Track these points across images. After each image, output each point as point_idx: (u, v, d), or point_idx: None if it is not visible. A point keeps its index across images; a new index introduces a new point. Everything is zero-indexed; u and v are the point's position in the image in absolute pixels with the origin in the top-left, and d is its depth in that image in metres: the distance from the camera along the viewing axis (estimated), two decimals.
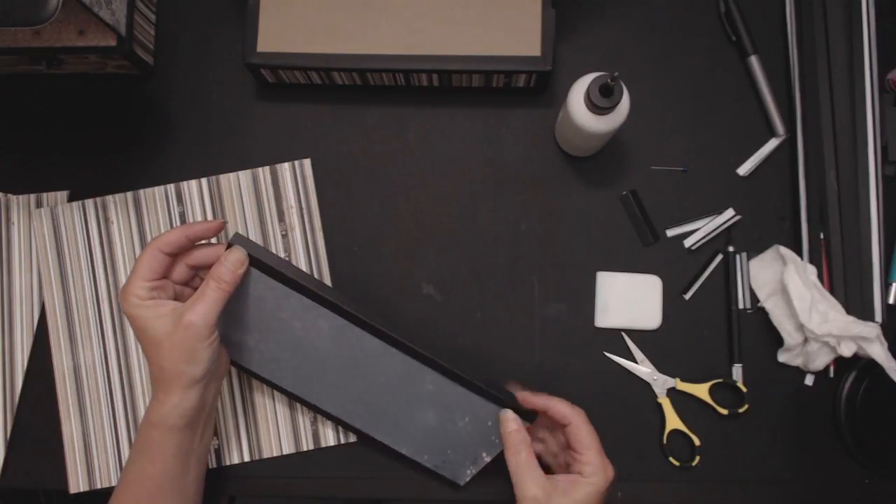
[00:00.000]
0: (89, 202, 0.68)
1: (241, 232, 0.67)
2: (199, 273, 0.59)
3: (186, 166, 0.68)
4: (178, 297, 0.57)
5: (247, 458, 0.65)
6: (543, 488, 0.53)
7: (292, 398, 0.62)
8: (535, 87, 0.66)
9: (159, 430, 0.54)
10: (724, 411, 0.63)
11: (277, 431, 0.65)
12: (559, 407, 0.57)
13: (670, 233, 0.66)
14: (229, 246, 0.55)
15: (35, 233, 0.68)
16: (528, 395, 0.59)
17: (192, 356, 0.52)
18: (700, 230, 0.66)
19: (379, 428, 0.62)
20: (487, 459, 0.61)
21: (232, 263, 0.54)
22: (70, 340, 0.66)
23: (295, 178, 0.68)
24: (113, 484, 0.65)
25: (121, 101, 0.69)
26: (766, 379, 0.64)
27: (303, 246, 0.67)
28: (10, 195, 0.68)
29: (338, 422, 0.62)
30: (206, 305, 0.52)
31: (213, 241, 0.60)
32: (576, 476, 0.55)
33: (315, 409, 0.62)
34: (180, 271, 0.57)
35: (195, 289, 0.57)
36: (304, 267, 0.66)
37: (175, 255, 0.56)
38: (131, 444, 0.65)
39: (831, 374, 0.64)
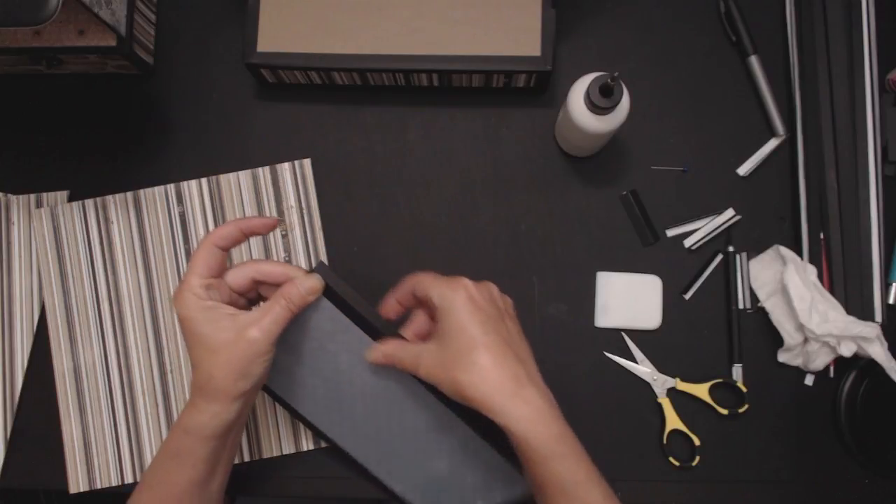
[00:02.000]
0: (89, 202, 0.68)
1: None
2: (258, 288, 0.56)
3: (186, 166, 0.68)
4: (231, 304, 0.53)
5: (246, 458, 0.65)
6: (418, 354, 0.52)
7: (304, 423, 0.60)
8: (535, 87, 0.66)
9: (194, 437, 0.52)
10: (724, 411, 0.63)
11: (277, 431, 0.65)
12: (409, 288, 0.54)
13: (670, 233, 0.66)
14: (310, 271, 0.54)
15: (35, 233, 0.68)
16: (387, 299, 0.57)
17: (246, 370, 0.50)
18: (700, 230, 0.66)
19: (386, 467, 0.60)
20: None
21: (307, 289, 0.52)
22: (70, 340, 0.66)
23: (295, 178, 0.68)
24: (113, 484, 0.65)
25: (121, 101, 0.69)
26: (766, 379, 0.64)
27: (303, 246, 0.67)
28: (10, 195, 0.68)
29: (346, 457, 0.60)
30: (271, 323, 0.50)
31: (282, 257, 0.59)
32: (433, 321, 0.52)
33: (324, 439, 0.61)
34: (241, 280, 0.53)
35: (250, 300, 0.56)
36: (304, 266, 0.66)
37: (227, 250, 0.54)
38: (131, 444, 0.65)
39: (831, 374, 0.64)
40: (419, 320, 0.57)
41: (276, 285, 0.53)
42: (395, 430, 0.59)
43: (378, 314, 0.56)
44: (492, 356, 0.48)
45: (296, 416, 0.60)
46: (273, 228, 0.55)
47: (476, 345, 0.48)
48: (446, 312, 0.50)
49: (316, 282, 0.53)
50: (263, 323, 0.50)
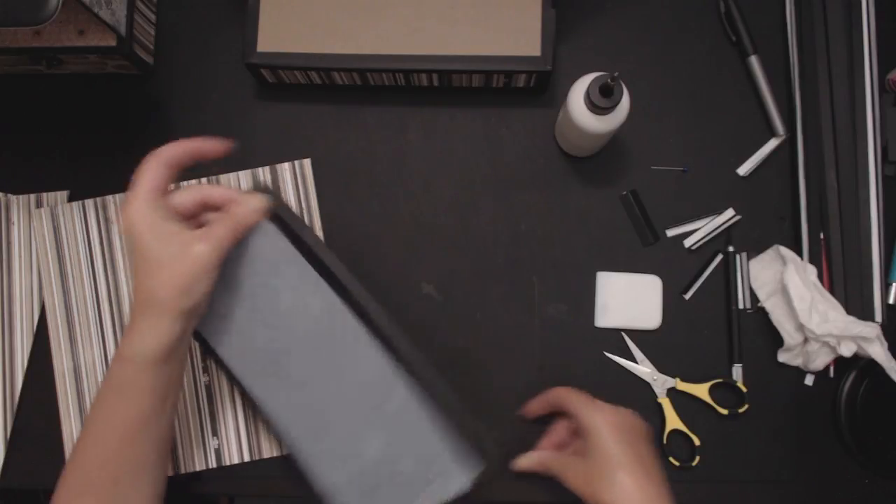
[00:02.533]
0: (89, 202, 0.68)
1: None
2: (203, 214, 0.55)
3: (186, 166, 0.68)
4: None
5: (247, 458, 0.65)
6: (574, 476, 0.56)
7: (229, 379, 0.55)
8: (535, 87, 0.66)
9: (135, 365, 0.50)
10: (724, 411, 0.63)
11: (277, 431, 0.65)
12: (552, 399, 0.60)
13: (670, 233, 0.66)
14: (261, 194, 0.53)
15: (35, 233, 0.68)
16: (532, 405, 0.62)
17: (191, 287, 0.49)
18: (700, 230, 0.66)
19: (311, 443, 0.56)
20: None
21: (252, 207, 0.53)
22: (70, 340, 0.66)
23: (295, 178, 0.68)
24: None
25: (121, 101, 0.69)
26: (766, 379, 0.64)
27: None
28: (10, 195, 0.69)
29: (267, 424, 0.56)
30: (218, 239, 0.50)
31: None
32: (585, 444, 0.56)
33: (248, 399, 0.56)
34: (187, 202, 0.53)
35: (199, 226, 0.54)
36: None
37: (175, 171, 0.52)
38: None
39: (831, 374, 0.64)
40: (559, 432, 0.61)
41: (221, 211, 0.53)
42: (330, 392, 0.55)
43: (334, 256, 0.54)
44: (632, 478, 0.53)
45: (222, 369, 0.56)
46: (224, 153, 0.54)
47: (619, 466, 0.53)
48: (594, 434, 0.55)
49: (261, 201, 0.53)
50: (209, 237, 0.50)
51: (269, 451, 0.65)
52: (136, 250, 0.50)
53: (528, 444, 0.62)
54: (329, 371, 0.55)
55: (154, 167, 0.51)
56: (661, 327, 0.65)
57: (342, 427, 0.56)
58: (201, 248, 0.50)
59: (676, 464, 0.63)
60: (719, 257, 0.65)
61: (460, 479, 0.55)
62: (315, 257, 0.53)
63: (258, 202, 0.53)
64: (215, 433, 0.65)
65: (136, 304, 0.51)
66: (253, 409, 0.57)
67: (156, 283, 0.49)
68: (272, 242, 0.54)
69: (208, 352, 0.57)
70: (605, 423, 0.55)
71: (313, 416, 0.56)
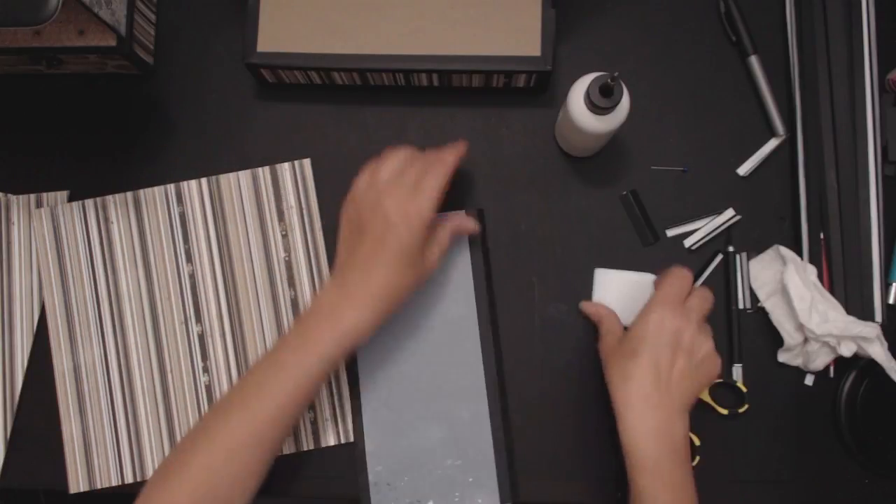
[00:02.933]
0: (89, 202, 0.68)
1: (240, 230, 0.67)
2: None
3: (186, 166, 0.68)
4: None
5: None
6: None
7: None
8: (535, 87, 0.66)
9: (339, 339, 0.53)
10: (724, 411, 0.63)
11: None
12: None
13: (670, 233, 0.66)
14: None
15: (35, 233, 0.68)
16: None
17: (410, 296, 0.56)
18: (700, 230, 0.66)
19: (382, 406, 0.63)
20: None
21: (472, 225, 0.62)
22: (70, 340, 0.66)
23: (295, 178, 0.68)
24: (113, 483, 0.65)
25: (121, 101, 0.69)
26: (766, 379, 0.64)
27: (303, 246, 0.67)
28: (10, 195, 0.69)
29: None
30: (439, 248, 0.58)
31: None
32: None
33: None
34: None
35: None
36: (303, 266, 0.66)
37: None
38: (131, 444, 0.65)
39: (831, 374, 0.64)
40: None
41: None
42: (424, 374, 0.63)
43: (482, 265, 0.64)
44: (641, 373, 0.54)
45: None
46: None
47: (637, 359, 0.55)
48: (641, 317, 0.56)
49: (475, 224, 0.62)
50: (437, 254, 0.57)
51: None
52: (398, 242, 0.54)
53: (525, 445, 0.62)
54: (433, 359, 0.63)
55: (444, 175, 0.56)
56: None
57: (418, 406, 0.63)
58: (432, 262, 0.57)
59: None
60: (719, 257, 0.65)
61: (491, 497, 0.62)
62: (475, 263, 0.62)
63: (473, 225, 0.62)
64: None
65: (372, 289, 0.54)
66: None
67: (401, 281, 0.54)
68: (460, 240, 0.63)
69: None
70: (655, 316, 0.55)
71: (398, 384, 0.63)
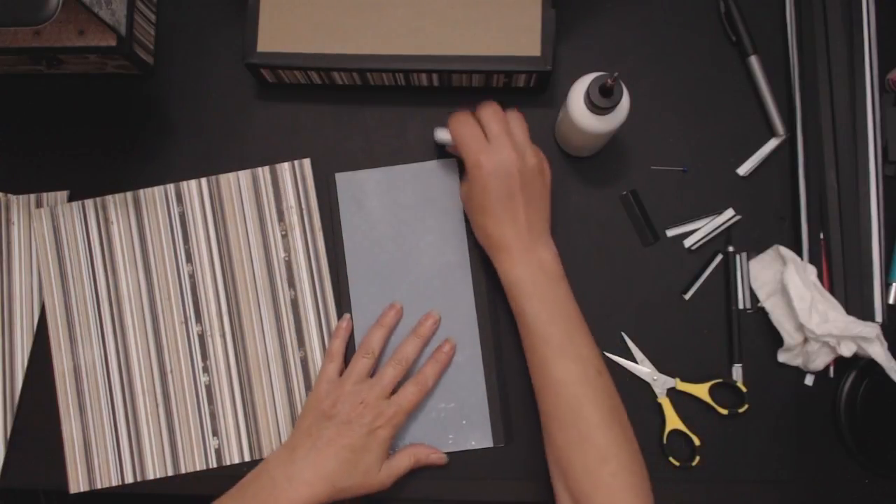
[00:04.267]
0: (89, 202, 0.68)
1: (240, 231, 0.67)
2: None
3: (186, 166, 0.68)
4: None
5: (247, 458, 0.65)
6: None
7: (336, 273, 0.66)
8: (535, 87, 0.66)
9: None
10: (724, 411, 0.63)
11: (278, 431, 0.65)
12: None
13: (670, 233, 0.66)
14: None
15: (35, 233, 0.68)
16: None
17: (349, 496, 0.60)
18: (700, 230, 0.66)
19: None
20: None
21: (433, 460, 0.64)
22: (70, 340, 0.66)
23: (295, 178, 0.68)
24: (113, 483, 0.65)
25: (121, 101, 0.69)
26: (766, 379, 0.64)
27: (302, 246, 0.67)
28: (10, 195, 0.69)
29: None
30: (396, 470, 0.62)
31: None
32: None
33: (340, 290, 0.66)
34: None
35: None
36: (303, 266, 0.67)
37: None
38: (131, 444, 0.65)
39: (831, 374, 0.64)
40: None
41: None
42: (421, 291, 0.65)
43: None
44: (494, 224, 0.59)
45: (341, 266, 0.66)
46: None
47: (486, 216, 0.59)
48: (470, 173, 0.59)
49: (442, 460, 0.64)
50: (390, 481, 0.62)
51: (269, 450, 0.65)
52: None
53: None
54: (426, 304, 0.65)
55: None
56: (661, 327, 0.65)
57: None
58: (382, 480, 0.61)
59: (676, 464, 0.63)
60: (719, 257, 0.65)
61: (485, 439, 0.64)
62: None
63: (439, 460, 0.64)
64: (215, 433, 0.65)
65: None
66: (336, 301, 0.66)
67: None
68: (450, 186, 0.65)
69: (337, 246, 0.66)
70: (487, 165, 0.57)
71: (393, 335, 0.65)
